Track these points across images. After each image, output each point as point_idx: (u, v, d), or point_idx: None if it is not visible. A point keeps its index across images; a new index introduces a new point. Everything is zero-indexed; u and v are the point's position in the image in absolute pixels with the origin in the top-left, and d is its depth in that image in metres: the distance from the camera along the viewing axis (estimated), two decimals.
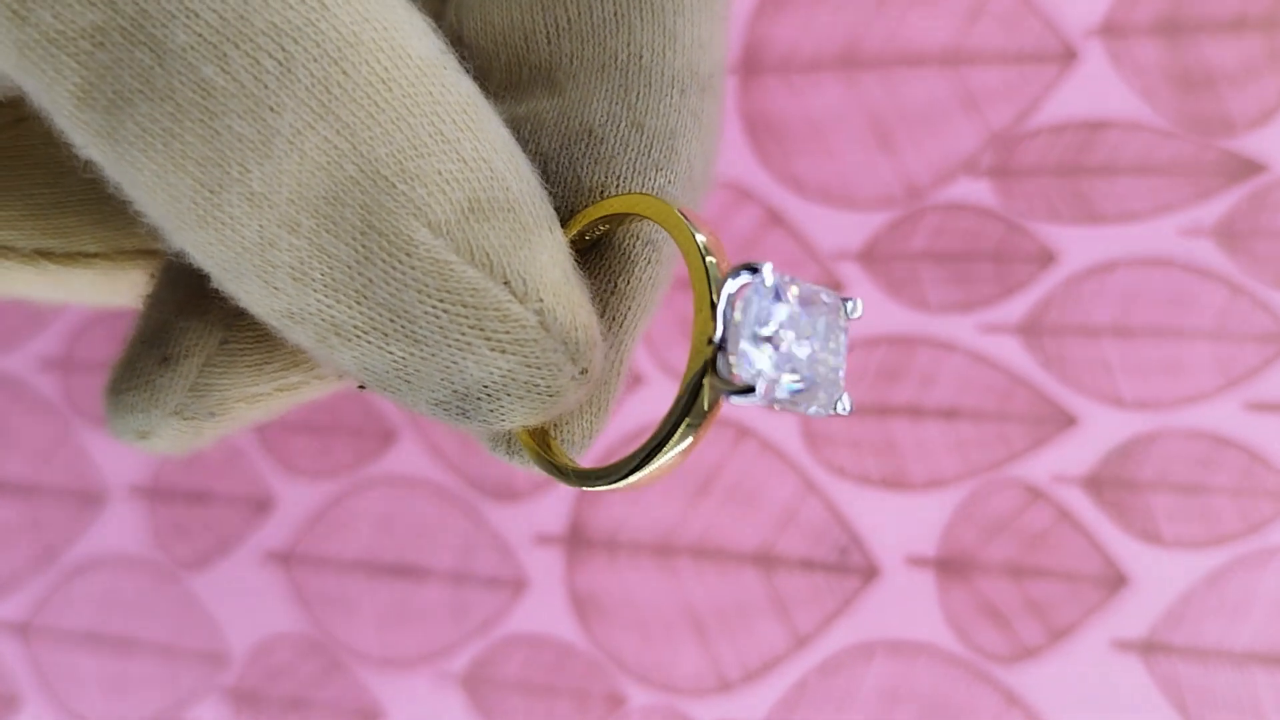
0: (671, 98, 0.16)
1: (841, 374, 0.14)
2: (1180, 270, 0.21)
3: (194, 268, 0.14)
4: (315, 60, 0.12)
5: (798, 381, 0.14)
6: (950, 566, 0.22)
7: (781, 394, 0.14)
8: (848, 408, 0.14)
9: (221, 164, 0.12)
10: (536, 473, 0.16)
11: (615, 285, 0.16)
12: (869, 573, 0.22)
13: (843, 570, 0.22)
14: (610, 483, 0.15)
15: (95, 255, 0.16)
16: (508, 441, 0.16)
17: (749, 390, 0.13)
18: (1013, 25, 0.23)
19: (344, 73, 0.13)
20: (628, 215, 0.15)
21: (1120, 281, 0.22)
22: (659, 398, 0.23)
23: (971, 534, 0.22)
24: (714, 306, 0.13)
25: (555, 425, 0.15)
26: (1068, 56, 0.22)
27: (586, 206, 0.15)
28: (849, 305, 0.14)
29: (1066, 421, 0.22)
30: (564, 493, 0.24)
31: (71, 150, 0.13)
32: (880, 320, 0.23)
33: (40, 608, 0.27)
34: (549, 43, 0.16)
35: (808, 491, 0.23)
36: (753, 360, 0.13)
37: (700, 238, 0.14)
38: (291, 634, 0.25)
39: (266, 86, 0.12)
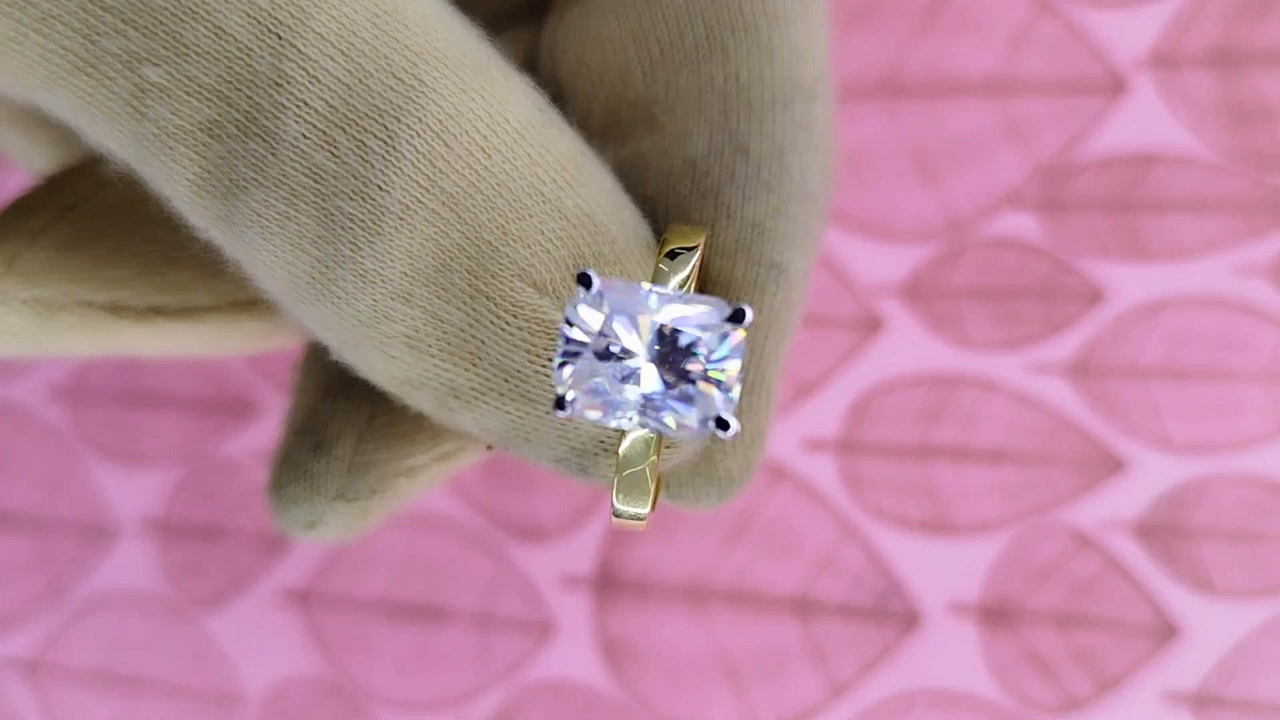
0: (775, 114, 0.15)
1: (725, 392, 0.13)
2: (1233, 310, 0.21)
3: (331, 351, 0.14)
4: (419, 136, 0.13)
5: (592, 397, 0.13)
6: (994, 614, 0.21)
7: (589, 413, 0.13)
8: (730, 431, 0.12)
9: (334, 243, 0.13)
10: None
11: None
12: (909, 620, 0.21)
13: (882, 617, 0.22)
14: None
15: (208, 309, 0.16)
16: (581, 468, 0.15)
17: (559, 404, 0.13)
18: (1059, 54, 0.22)
19: (446, 145, 0.13)
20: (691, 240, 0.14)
21: (1170, 321, 0.21)
22: None
23: (1016, 581, 0.21)
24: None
25: (710, 462, 0.15)
26: (1116, 87, 0.22)
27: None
28: (737, 317, 0.13)
29: (1115, 466, 0.21)
30: (593, 533, 0.23)
31: None
32: (922, 359, 0.22)
33: (49, 645, 0.26)
34: (644, 76, 0.16)
35: (846, 535, 0.22)
36: (564, 377, 0.13)
37: (665, 262, 0.13)
38: (309, 676, 0.24)
39: (374, 166, 0.13)
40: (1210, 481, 0.21)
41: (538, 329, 0.13)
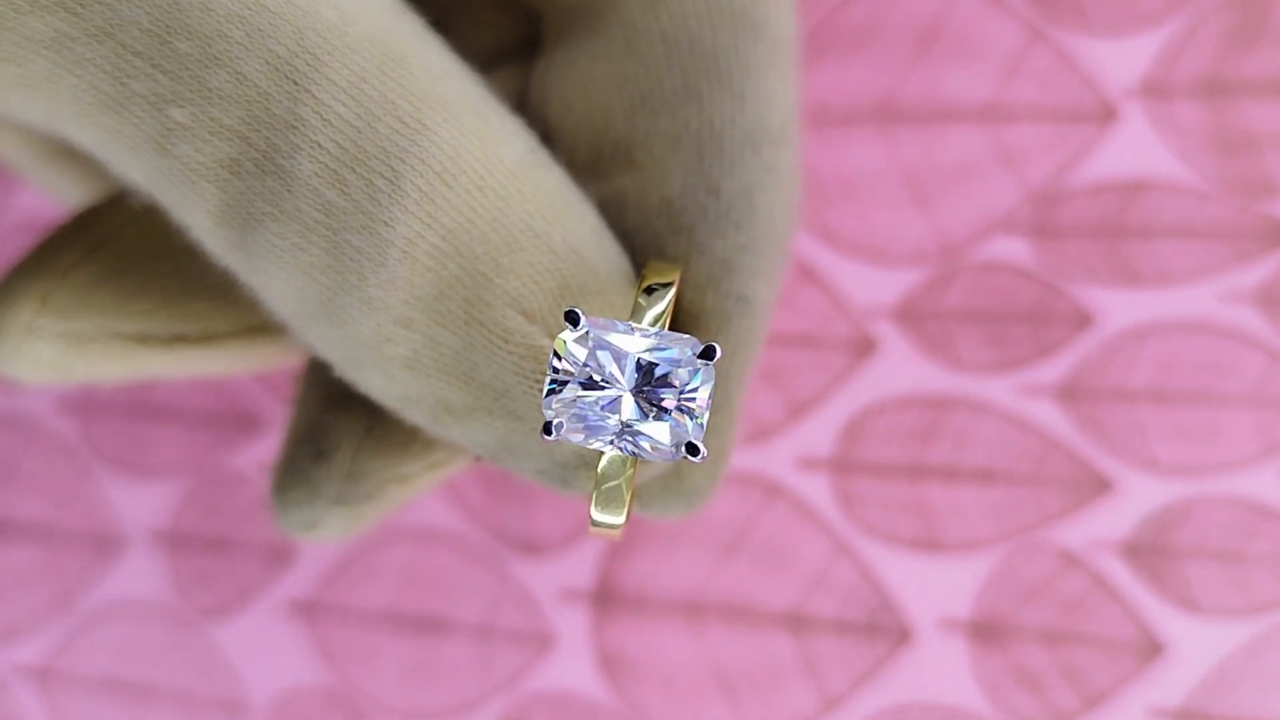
0: (745, 157, 0.16)
1: (696, 420, 0.14)
2: (1219, 335, 0.21)
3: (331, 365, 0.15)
4: (421, 176, 0.14)
5: (576, 422, 0.14)
6: (983, 631, 0.22)
7: (573, 436, 0.14)
8: (698, 455, 0.14)
9: (342, 273, 0.14)
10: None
11: (716, 342, 0.16)
12: (901, 635, 0.22)
13: (874, 632, 0.22)
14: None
15: (227, 335, 0.17)
16: (562, 480, 0.16)
17: (546, 429, 0.14)
18: (1051, 82, 0.22)
19: (446, 184, 0.14)
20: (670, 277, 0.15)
21: (1158, 345, 0.21)
22: None
23: (1005, 598, 0.22)
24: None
25: (679, 476, 0.17)
26: (1107, 115, 0.22)
27: None
28: (707, 353, 0.14)
29: (1102, 486, 0.21)
30: (591, 548, 0.24)
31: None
32: (914, 380, 0.22)
33: (59, 653, 0.26)
34: (625, 120, 0.17)
35: (839, 552, 0.22)
36: (551, 404, 0.14)
37: (643, 297, 0.15)
38: (313, 685, 0.25)
39: (380, 204, 0.14)
40: (1196, 503, 0.21)
41: (526, 353, 0.14)
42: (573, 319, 0.13)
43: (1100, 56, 0.22)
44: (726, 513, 0.23)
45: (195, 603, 0.26)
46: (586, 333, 0.14)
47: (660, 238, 0.16)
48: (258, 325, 0.17)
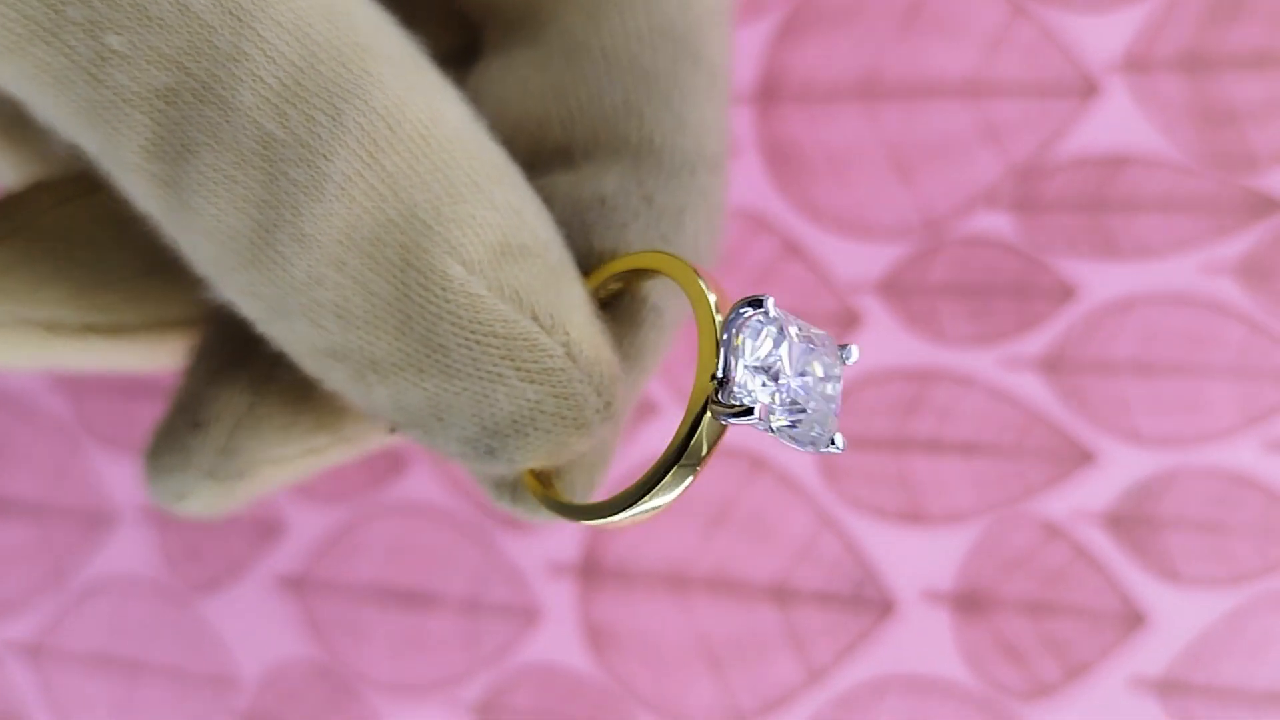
0: (680, 177, 0.16)
1: (835, 413, 0.14)
2: (1200, 307, 0.21)
3: (225, 339, 0.15)
4: (364, 115, 0.14)
5: (795, 410, 0.14)
6: (967, 602, 0.22)
7: (778, 422, 0.14)
8: (840, 445, 0.14)
9: (276, 207, 0.13)
10: (539, 519, 0.16)
11: (620, 346, 0.16)
12: (885, 607, 0.22)
13: (858, 604, 0.22)
14: (604, 517, 0.15)
15: (138, 328, 0.17)
16: (512, 488, 0.16)
17: (747, 411, 0.13)
18: (1034, 57, 0.22)
19: (389, 128, 0.14)
20: (639, 273, 0.15)
21: (1140, 318, 0.22)
22: (671, 429, 0.23)
23: (989, 570, 0.22)
24: (718, 343, 0.14)
25: (559, 474, 0.16)
26: (1089, 90, 0.22)
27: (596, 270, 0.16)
28: (845, 351, 0.14)
29: (1084, 458, 0.22)
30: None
31: (114, 228, 0.14)
32: (898, 353, 0.22)
33: (50, 629, 0.27)
34: (563, 129, 0.16)
35: (824, 525, 0.22)
36: (749, 387, 0.14)
37: (706, 288, 0.14)
38: (302, 659, 0.25)
39: (320, 137, 0.13)
40: (1177, 474, 0.21)
41: (464, 303, 0.14)
42: (759, 304, 0.13)
43: (1082, 31, 0.22)
44: (712, 486, 0.23)
45: (185, 578, 0.26)
46: (780, 325, 0.13)
47: (590, 231, 0.16)
48: (168, 320, 0.17)
